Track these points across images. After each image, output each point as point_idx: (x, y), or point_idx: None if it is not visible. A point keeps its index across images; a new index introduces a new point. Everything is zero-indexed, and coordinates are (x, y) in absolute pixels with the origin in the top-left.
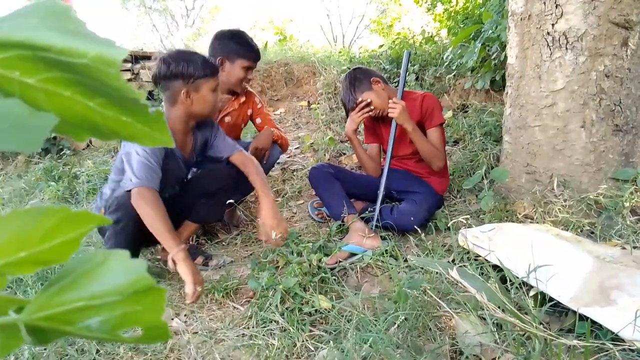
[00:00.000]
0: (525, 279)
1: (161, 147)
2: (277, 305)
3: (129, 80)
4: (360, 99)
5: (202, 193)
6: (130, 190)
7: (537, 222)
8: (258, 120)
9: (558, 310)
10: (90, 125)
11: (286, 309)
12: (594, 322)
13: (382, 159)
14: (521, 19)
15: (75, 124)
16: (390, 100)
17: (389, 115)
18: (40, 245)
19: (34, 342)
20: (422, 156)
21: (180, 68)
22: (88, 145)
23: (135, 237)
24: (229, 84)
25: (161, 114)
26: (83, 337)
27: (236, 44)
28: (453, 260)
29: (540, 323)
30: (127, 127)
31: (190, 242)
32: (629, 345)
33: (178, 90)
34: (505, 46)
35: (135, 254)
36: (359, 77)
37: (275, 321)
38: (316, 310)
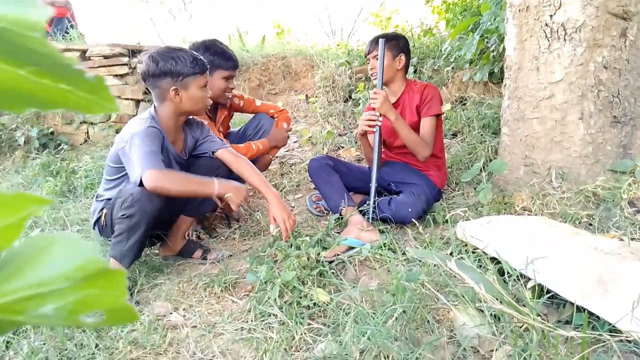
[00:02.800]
0: (523, 271)
1: (159, 136)
2: (275, 299)
3: (126, 74)
4: (369, 101)
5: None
6: (141, 184)
7: (535, 214)
8: (241, 103)
9: (556, 301)
10: (25, 96)
11: (285, 302)
12: (591, 314)
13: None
14: (519, 11)
15: (10, 96)
16: (371, 91)
17: (371, 105)
18: None
19: None
20: (407, 146)
21: (169, 66)
22: (86, 140)
23: (147, 235)
24: (212, 97)
25: (102, 80)
26: (39, 324)
27: (211, 54)
28: (451, 253)
29: (538, 314)
30: (68, 96)
31: (189, 237)
32: (626, 336)
33: (167, 88)
34: (503, 38)
35: (139, 256)
36: (393, 41)
37: (273, 315)
38: (314, 304)
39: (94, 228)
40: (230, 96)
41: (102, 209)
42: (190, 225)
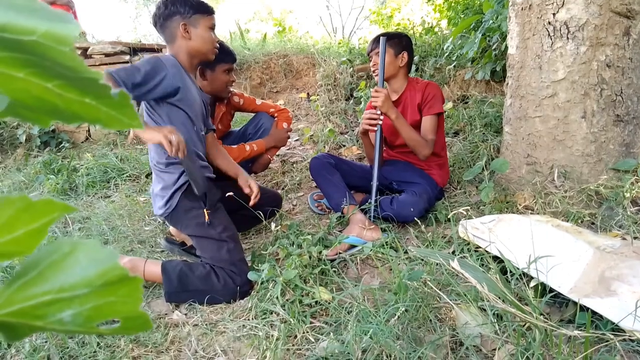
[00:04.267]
0: (525, 270)
1: (175, 65)
2: (277, 297)
3: None
4: (371, 99)
5: (245, 206)
6: None
7: (538, 213)
8: (242, 102)
9: (558, 301)
10: (50, 109)
11: (286, 300)
12: (594, 313)
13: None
14: (522, 9)
15: (35, 107)
16: (372, 89)
17: (372, 103)
18: (0, 237)
19: (4, 339)
20: (407, 145)
21: (178, 5)
22: (87, 138)
23: None
24: (215, 91)
25: (126, 97)
26: (56, 331)
27: None
28: (453, 252)
29: (541, 314)
30: (91, 110)
31: None
32: (629, 336)
33: (176, 25)
34: (505, 36)
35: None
36: (395, 39)
37: (275, 313)
38: (316, 302)
39: (163, 212)
40: (231, 89)
41: (183, 195)
42: None
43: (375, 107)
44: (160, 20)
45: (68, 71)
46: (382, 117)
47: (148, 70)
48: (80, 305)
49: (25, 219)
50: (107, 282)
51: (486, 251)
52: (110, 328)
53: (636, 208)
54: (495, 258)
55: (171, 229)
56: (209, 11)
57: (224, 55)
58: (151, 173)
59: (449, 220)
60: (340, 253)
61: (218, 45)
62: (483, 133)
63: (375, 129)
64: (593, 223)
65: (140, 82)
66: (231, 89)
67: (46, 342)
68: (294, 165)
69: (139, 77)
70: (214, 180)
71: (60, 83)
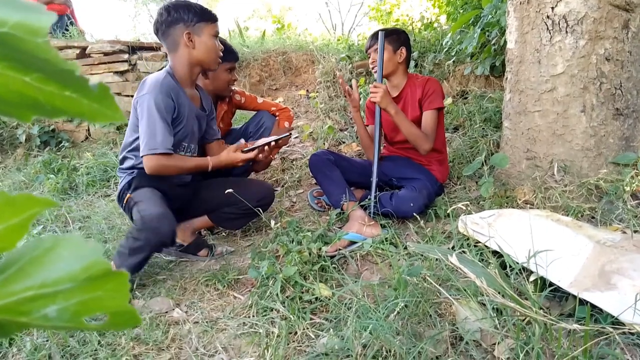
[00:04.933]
0: (525, 265)
1: (175, 89)
2: (277, 294)
3: (126, 71)
4: (369, 95)
5: (233, 202)
6: (148, 215)
7: (538, 208)
8: (243, 100)
9: (558, 295)
10: (31, 104)
11: (287, 297)
12: (594, 307)
13: (383, 144)
14: (520, 3)
15: (15, 102)
16: (371, 85)
17: (371, 99)
18: None
19: None
20: (408, 140)
21: (181, 13)
22: (87, 138)
23: (149, 257)
24: (217, 89)
25: (106, 89)
26: (42, 327)
27: None
28: (453, 247)
29: (540, 308)
30: (73, 104)
31: (199, 234)
32: (629, 329)
33: (180, 33)
34: (505, 31)
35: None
36: (393, 35)
37: (276, 310)
38: (316, 299)
39: (119, 202)
40: (233, 87)
41: (128, 187)
42: (205, 226)
43: (374, 104)
44: (163, 28)
45: (45, 64)
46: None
47: (163, 109)
48: (65, 300)
49: (4, 214)
50: (91, 276)
51: (486, 246)
52: (98, 324)
53: (636, 202)
54: (494, 253)
55: None
56: (212, 18)
57: (226, 53)
58: None
59: (448, 215)
60: (340, 249)
61: (221, 53)
62: (482, 128)
63: (378, 99)
64: (593, 217)
65: (171, 120)
66: (233, 88)
67: (47, 340)
68: (294, 162)
69: (167, 119)
70: (212, 175)
71: (38, 76)
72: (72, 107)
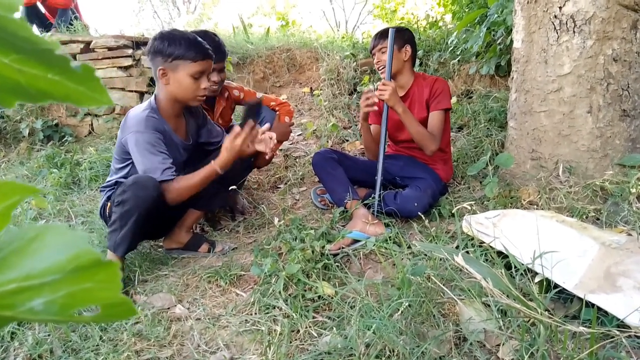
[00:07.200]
0: (530, 266)
1: (159, 125)
2: (280, 292)
3: (130, 66)
4: (366, 89)
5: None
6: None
7: (542, 209)
8: (242, 96)
9: (563, 296)
10: (13, 87)
11: (289, 295)
12: (599, 309)
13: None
14: (527, 2)
15: None
16: (379, 83)
17: (379, 97)
18: None
19: None
20: (414, 139)
21: (162, 46)
22: (90, 132)
23: (142, 225)
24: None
25: (91, 70)
26: (29, 320)
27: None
28: (457, 247)
29: (546, 309)
30: (58, 87)
31: (194, 230)
32: (635, 332)
33: (156, 66)
34: (511, 30)
35: (134, 246)
36: (397, 33)
37: (278, 307)
38: (319, 297)
39: (101, 218)
40: (216, 88)
41: (108, 198)
42: (197, 219)
43: (382, 102)
44: (149, 56)
45: (23, 42)
46: (376, 93)
47: (153, 142)
48: (52, 292)
49: None
50: (79, 267)
51: (490, 246)
52: (91, 316)
53: None
54: (499, 253)
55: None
56: (196, 58)
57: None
58: None
59: (452, 215)
60: (343, 248)
61: (206, 92)
62: (487, 128)
63: (375, 108)
64: (598, 219)
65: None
66: (233, 83)
67: (49, 335)
68: (297, 159)
69: (161, 149)
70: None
71: (18, 57)
72: (57, 90)
